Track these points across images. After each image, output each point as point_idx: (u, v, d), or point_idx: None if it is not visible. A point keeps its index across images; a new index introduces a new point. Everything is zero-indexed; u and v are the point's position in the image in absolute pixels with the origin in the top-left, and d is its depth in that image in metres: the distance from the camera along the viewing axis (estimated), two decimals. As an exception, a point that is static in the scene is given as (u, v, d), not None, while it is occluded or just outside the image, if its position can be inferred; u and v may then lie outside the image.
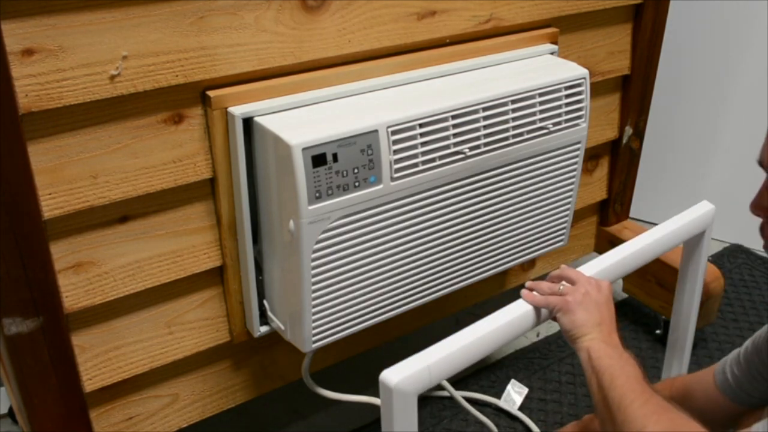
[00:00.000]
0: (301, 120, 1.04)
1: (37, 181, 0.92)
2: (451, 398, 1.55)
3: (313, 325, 1.11)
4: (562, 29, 1.37)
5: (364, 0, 1.10)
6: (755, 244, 2.05)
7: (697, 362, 1.65)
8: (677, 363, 1.34)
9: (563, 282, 0.99)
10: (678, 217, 1.19)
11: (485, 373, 1.63)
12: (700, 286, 1.29)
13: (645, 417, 0.81)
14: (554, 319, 0.98)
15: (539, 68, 1.27)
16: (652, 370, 1.64)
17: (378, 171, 1.05)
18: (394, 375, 0.85)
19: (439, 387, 1.42)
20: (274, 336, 1.20)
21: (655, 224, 1.24)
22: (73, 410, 1.07)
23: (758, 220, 1.06)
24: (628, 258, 1.11)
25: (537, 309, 0.98)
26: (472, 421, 1.49)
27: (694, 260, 1.25)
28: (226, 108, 1.03)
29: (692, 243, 1.24)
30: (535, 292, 0.99)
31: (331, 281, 1.09)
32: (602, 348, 0.91)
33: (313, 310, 1.09)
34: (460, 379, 1.61)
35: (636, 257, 1.13)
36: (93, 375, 1.08)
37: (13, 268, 0.93)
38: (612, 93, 1.59)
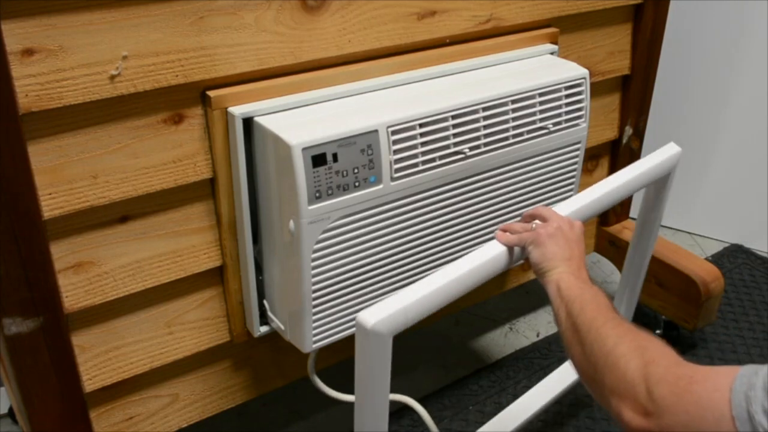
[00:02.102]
0: (301, 120, 1.04)
1: (37, 181, 0.92)
2: (451, 398, 1.55)
3: (313, 325, 1.11)
4: (562, 29, 1.37)
5: (364, 0, 1.10)
6: (755, 244, 2.05)
7: (697, 362, 1.65)
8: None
9: (536, 220, 0.99)
10: (647, 159, 1.21)
11: (485, 373, 1.63)
12: (657, 229, 1.32)
13: (618, 336, 0.77)
14: (526, 260, 0.98)
15: (539, 68, 1.27)
16: (652, 370, 1.64)
17: (378, 171, 1.05)
18: (371, 316, 0.85)
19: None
20: (274, 336, 1.20)
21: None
22: (73, 410, 1.07)
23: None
24: (600, 198, 1.12)
25: (510, 249, 0.98)
26: (472, 422, 1.49)
27: (657, 204, 1.28)
28: (226, 108, 1.03)
29: (658, 184, 1.26)
30: (508, 233, 0.99)
31: (331, 281, 1.09)
32: (572, 280, 0.89)
33: (313, 310, 1.09)
34: (459, 379, 1.61)
35: (608, 197, 1.14)
36: (93, 375, 1.08)
37: (13, 268, 0.93)
38: (612, 93, 1.59)
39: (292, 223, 1.02)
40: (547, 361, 1.67)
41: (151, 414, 1.18)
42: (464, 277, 0.95)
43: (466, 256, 0.97)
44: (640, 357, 0.73)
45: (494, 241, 1.00)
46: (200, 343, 1.18)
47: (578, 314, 0.84)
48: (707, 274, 1.60)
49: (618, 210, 1.75)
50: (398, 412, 1.45)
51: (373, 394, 0.91)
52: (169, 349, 1.15)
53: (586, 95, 1.27)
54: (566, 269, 0.91)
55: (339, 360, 1.35)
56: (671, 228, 2.11)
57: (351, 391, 1.44)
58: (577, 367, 0.82)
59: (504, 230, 1.01)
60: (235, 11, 0.99)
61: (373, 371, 0.89)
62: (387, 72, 1.16)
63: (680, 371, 0.70)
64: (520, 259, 0.99)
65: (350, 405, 1.31)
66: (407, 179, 1.09)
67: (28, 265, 0.94)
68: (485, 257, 0.97)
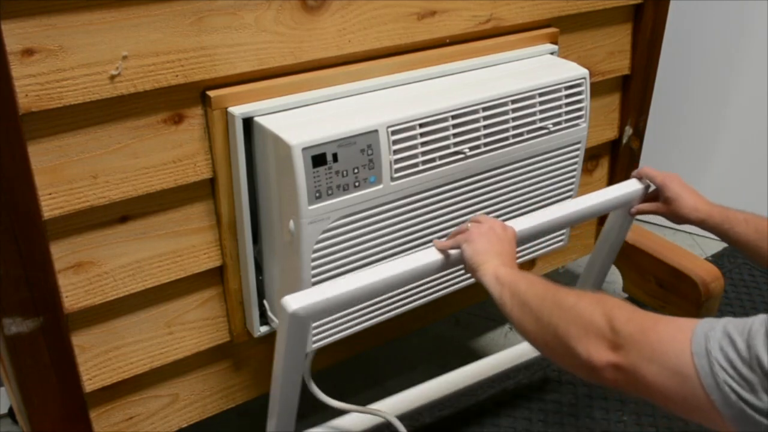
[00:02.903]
0: (301, 120, 1.04)
1: (37, 181, 0.92)
2: (450, 398, 1.55)
3: (313, 325, 1.11)
4: (562, 29, 1.37)
5: (364, 0, 1.10)
6: (755, 244, 2.05)
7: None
8: None
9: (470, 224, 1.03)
10: (611, 188, 1.21)
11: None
12: (614, 253, 1.35)
13: (576, 296, 0.81)
14: (465, 270, 0.99)
15: (539, 68, 1.27)
16: (652, 370, 1.64)
17: (378, 171, 1.05)
18: (293, 302, 0.91)
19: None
20: (274, 336, 1.20)
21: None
22: (73, 410, 1.07)
23: None
24: (553, 220, 1.14)
25: (446, 254, 1.01)
26: (473, 422, 1.49)
27: (619, 232, 1.30)
28: (226, 108, 1.03)
29: (619, 215, 1.27)
30: (444, 239, 1.03)
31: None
32: (508, 269, 0.93)
33: (313, 310, 1.09)
34: (460, 379, 1.61)
35: (562, 219, 1.15)
36: (93, 375, 1.08)
37: (13, 268, 0.93)
38: (612, 93, 1.59)
39: (292, 223, 1.02)
40: (547, 361, 1.66)
41: (151, 414, 1.18)
42: (393, 278, 0.98)
43: (401, 259, 1.00)
44: (604, 306, 0.77)
45: (431, 247, 1.02)
46: (200, 343, 1.18)
47: (527, 290, 0.87)
48: (707, 274, 1.60)
49: (618, 210, 1.75)
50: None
51: (287, 372, 0.99)
52: (169, 349, 1.15)
53: (586, 95, 1.27)
54: (499, 262, 0.94)
55: (337, 361, 1.35)
56: (671, 228, 2.11)
57: (349, 395, 1.44)
58: (532, 337, 0.86)
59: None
60: (235, 11, 0.99)
61: (289, 349, 0.95)
62: (387, 72, 1.16)
63: (645, 315, 0.75)
64: (457, 262, 1.01)
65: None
66: (407, 179, 1.09)
67: (28, 265, 0.94)
68: (418, 262, 1.00)
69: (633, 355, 0.72)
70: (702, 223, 1.12)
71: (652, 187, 1.19)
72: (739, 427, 0.65)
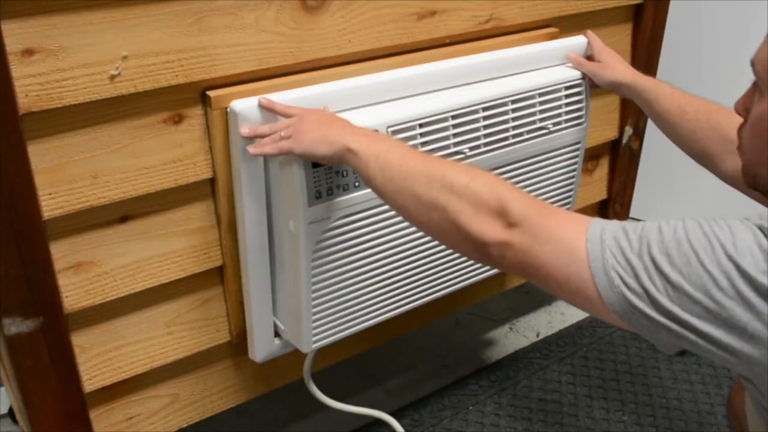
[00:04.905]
0: (301, 120, 1.04)
1: (37, 181, 0.92)
2: (451, 398, 1.55)
3: (313, 325, 1.11)
4: (562, 29, 1.37)
5: (364, 0, 1.10)
6: (755, 244, 2.05)
7: (697, 362, 1.65)
8: None
9: (282, 126, 0.96)
10: (555, 41, 1.30)
11: (485, 373, 1.63)
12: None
13: (471, 176, 0.80)
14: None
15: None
16: (652, 370, 1.64)
17: (378, 171, 1.05)
18: (240, 104, 0.99)
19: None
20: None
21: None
22: (73, 410, 1.07)
23: None
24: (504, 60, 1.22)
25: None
26: (473, 422, 1.49)
27: None
28: (226, 108, 1.03)
29: None
30: (265, 145, 0.96)
31: (331, 281, 1.09)
32: (364, 139, 0.88)
33: (313, 310, 1.09)
34: (459, 379, 1.61)
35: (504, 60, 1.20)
36: (93, 375, 1.08)
37: (13, 268, 0.93)
38: (612, 93, 1.59)
39: (292, 223, 1.02)
40: (547, 361, 1.67)
41: (151, 414, 1.18)
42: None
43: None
44: (499, 187, 0.79)
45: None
46: (200, 343, 1.18)
47: (401, 164, 0.84)
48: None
49: (618, 209, 1.75)
50: (375, 423, 1.45)
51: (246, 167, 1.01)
52: (169, 349, 1.15)
53: (585, 95, 1.27)
54: (347, 131, 0.90)
55: (336, 361, 1.35)
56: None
57: (349, 395, 1.45)
58: (413, 213, 0.84)
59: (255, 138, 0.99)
60: (235, 11, 0.99)
61: (240, 152, 1.00)
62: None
63: (544, 203, 0.78)
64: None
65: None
66: (407, 179, 1.09)
67: (28, 265, 0.94)
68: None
69: (527, 235, 0.75)
70: (629, 87, 1.19)
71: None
72: (613, 308, 0.70)
